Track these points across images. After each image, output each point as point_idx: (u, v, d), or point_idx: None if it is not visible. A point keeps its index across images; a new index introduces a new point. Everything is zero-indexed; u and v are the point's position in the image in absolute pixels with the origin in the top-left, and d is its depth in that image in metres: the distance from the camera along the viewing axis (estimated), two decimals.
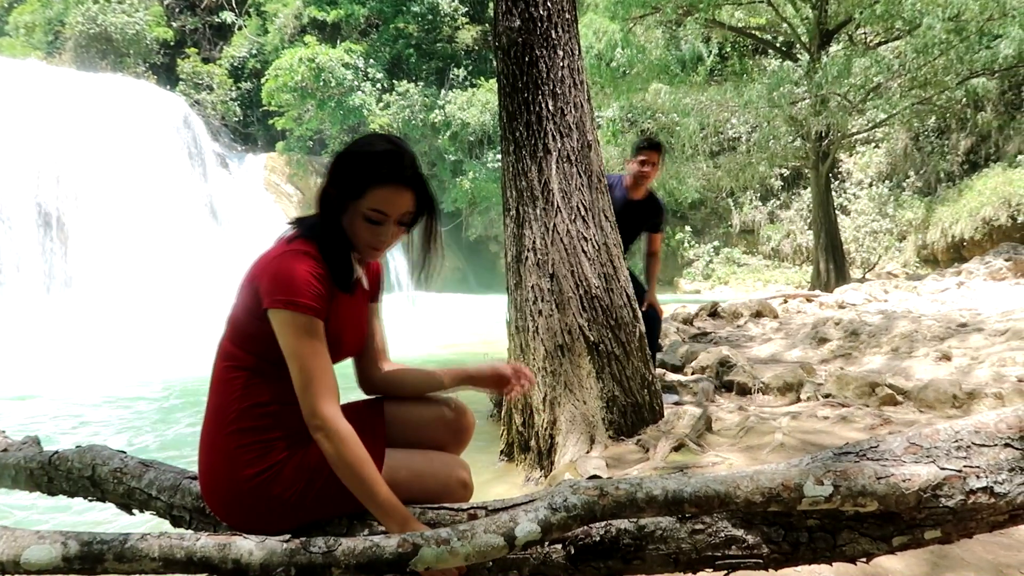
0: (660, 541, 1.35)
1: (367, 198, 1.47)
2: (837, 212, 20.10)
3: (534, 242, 3.41)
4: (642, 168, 4.18)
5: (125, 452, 1.69)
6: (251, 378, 1.47)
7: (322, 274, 1.46)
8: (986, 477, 1.19)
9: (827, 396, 4.14)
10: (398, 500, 1.41)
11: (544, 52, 3.46)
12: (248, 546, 1.17)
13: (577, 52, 3.60)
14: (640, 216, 4.33)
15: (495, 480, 3.38)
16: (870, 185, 23.58)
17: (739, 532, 1.33)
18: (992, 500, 1.19)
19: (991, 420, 1.25)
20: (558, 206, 3.39)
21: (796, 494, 1.22)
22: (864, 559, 1.31)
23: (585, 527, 1.36)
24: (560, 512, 1.23)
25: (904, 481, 1.20)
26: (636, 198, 4.28)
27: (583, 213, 3.43)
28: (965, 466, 1.21)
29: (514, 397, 1.80)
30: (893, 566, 1.95)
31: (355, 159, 1.49)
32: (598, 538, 1.36)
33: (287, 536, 1.20)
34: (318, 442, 1.40)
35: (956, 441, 1.24)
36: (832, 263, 17.73)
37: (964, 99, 16.93)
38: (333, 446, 1.38)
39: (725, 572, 1.37)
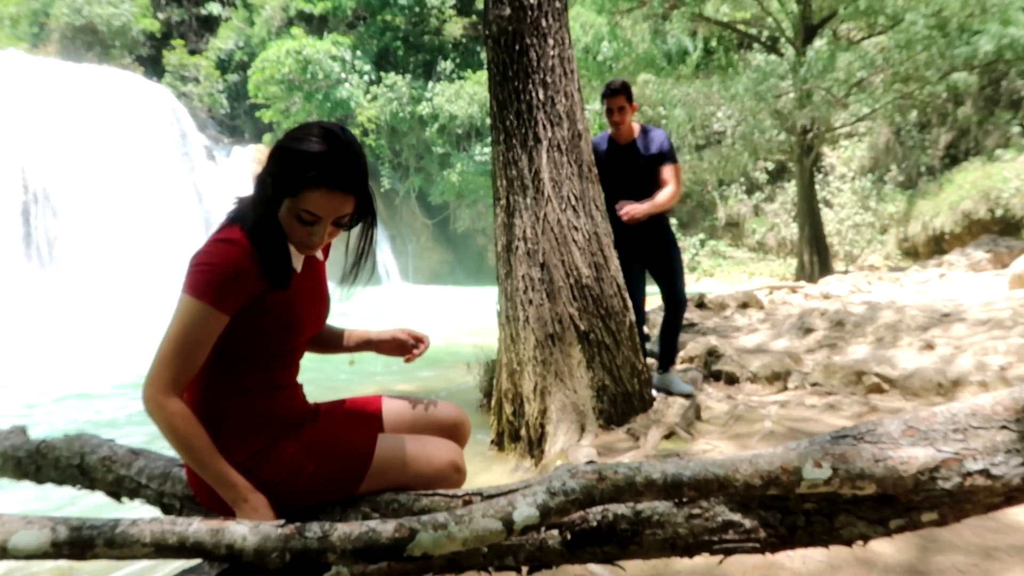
0: (657, 526, 1.34)
1: (301, 198, 1.36)
2: (821, 205, 20.24)
3: (524, 231, 3.39)
4: (611, 117, 3.97)
5: (114, 440, 1.66)
6: (226, 368, 1.43)
7: (248, 269, 1.37)
8: (983, 459, 1.19)
9: (814, 385, 4.17)
10: (235, 472, 1.37)
11: (534, 41, 3.44)
12: (242, 531, 1.14)
13: (567, 41, 3.58)
14: (634, 156, 4.05)
15: (485, 469, 3.38)
16: (853, 179, 23.75)
17: (736, 516, 1.32)
18: (989, 482, 1.19)
19: (987, 402, 1.25)
20: (548, 195, 3.38)
21: (795, 477, 1.22)
22: (860, 542, 1.31)
23: (582, 512, 1.34)
24: (559, 496, 1.22)
25: (902, 464, 1.20)
26: (622, 142, 4.06)
27: (573, 202, 3.42)
28: (962, 448, 1.21)
29: (412, 361, 1.79)
30: (884, 550, 1.96)
31: (293, 156, 1.36)
32: (595, 523, 1.35)
33: (282, 521, 1.18)
34: (148, 415, 1.34)
35: (953, 424, 1.23)
36: (816, 256, 17.89)
37: (945, 94, 17.13)
38: (160, 418, 1.32)
39: (722, 556, 1.37)
